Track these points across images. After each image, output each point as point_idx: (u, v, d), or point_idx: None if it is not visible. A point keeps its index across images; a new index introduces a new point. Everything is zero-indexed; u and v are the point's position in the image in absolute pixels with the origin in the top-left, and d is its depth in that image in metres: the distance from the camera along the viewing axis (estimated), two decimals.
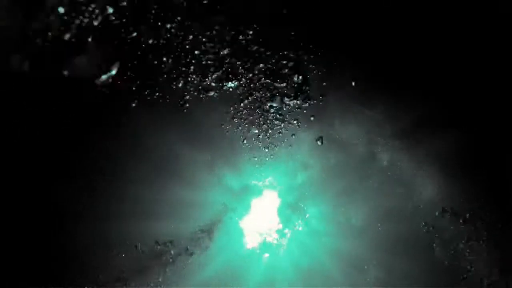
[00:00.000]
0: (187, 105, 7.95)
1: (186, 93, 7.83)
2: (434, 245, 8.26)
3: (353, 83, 8.13)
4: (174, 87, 7.72)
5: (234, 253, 9.48)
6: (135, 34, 7.10)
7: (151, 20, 7.13)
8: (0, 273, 7.49)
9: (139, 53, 7.27)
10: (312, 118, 8.48)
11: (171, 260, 8.71)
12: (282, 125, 8.59)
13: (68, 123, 7.52)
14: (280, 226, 9.78)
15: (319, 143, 8.59)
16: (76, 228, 8.01)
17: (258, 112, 8.42)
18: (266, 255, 9.67)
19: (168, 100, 7.78)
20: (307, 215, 9.53)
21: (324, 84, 8.21)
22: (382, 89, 8.21)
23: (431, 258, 8.28)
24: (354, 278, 8.90)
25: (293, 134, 8.70)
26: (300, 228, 9.65)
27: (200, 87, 7.85)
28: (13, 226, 7.62)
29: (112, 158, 8.04)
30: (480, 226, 7.88)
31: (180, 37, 7.36)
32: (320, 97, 8.31)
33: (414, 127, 8.32)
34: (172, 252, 8.67)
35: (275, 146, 8.83)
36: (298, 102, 8.32)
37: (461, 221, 8.00)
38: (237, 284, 9.07)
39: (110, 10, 6.82)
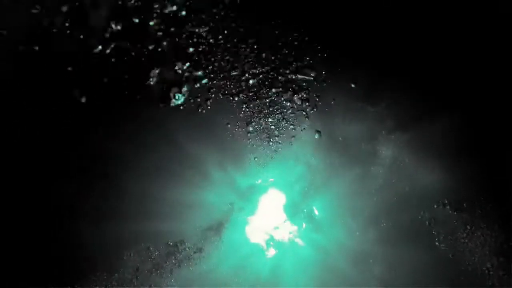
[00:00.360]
0: (205, 106, 8.00)
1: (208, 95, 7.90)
2: (437, 237, 8.37)
3: (353, 85, 8.18)
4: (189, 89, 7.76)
5: (242, 251, 9.56)
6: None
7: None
8: (10, 273, 7.48)
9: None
10: (314, 119, 8.54)
11: (182, 259, 8.77)
12: (286, 124, 8.62)
13: (79, 123, 7.50)
14: (287, 223, 9.86)
15: (317, 136, 8.64)
16: (89, 228, 8.00)
17: (262, 112, 8.45)
18: (273, 251, 9.76)
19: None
20: (314, 213, 9.61)
21: (326, 84, 8.24)
22: (384, 86, 8.25)
23: (434, 251, 8.38)
24: (360, 270, 9.02)
25: (293, 136, 8.77)
26: (304, 225, 9.73)
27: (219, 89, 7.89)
28: (25, 227, 7.58)
29: (120, 158, 8.04)
30: (483, 220, 7.99)
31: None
32: (320, 100, 8.36)
33: (416, 122, 8.40)
34: (182, 251, 8.73)
35: (279, 144, 8.88)
36: (301, 103, 8.36)
37: (462, 213, 8.10)
38: (247, 279, 9.17)
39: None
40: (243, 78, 7.98)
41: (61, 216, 7.94)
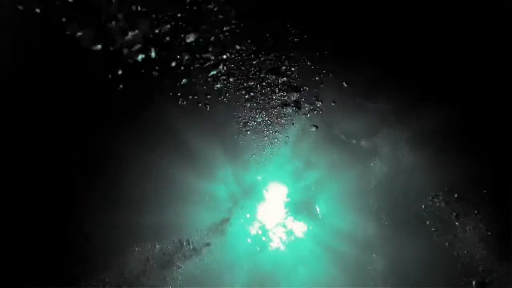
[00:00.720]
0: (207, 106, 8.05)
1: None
2: (435, 229, 8.43)
3: (345, 85, 8.20)
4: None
5: (245, 247, 9.63)
6: None
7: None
8: (11, 273, 7.48)
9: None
10: (314, 117, 8.56)
11: (185, 256, 8.84)
12: (286, 123, 8.65)
13: (83, 121, 7.53)
14: (289, 219, 9.93)
15: (313, 129, 8.65)
16: (91, 228, 8.01)
17: (262, 110, 8.47)
18: (275, 247, 9.85)
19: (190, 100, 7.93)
20: (316, 208, 9.66)
21: (326, 83, 8.26)
22: (384, 84, 8.26)
23: (433, 241, 8.44)
24: (362, 266, 9.08)
25: (287, 137, 8.77)
26: (306, 221, 9.77)
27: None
28: (34, 226, 7.57)
29: (120, 157, 8.04)
30: (476, 210, 8.04)
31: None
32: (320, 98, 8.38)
33: (414, 117, 8.42)
34: (185, 249, 8.81)
35: (278, 142, 8.91)
36: (301, 102, 8.38)
37: (457, 205, 8.16)
38: (250, 275, 9.24)
39: None
40: (245, 77, 8.01)
41: (62, 216, 7.94)
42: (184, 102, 7.95)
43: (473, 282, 7.76)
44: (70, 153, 7.79)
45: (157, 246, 8.54)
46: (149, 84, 7.65)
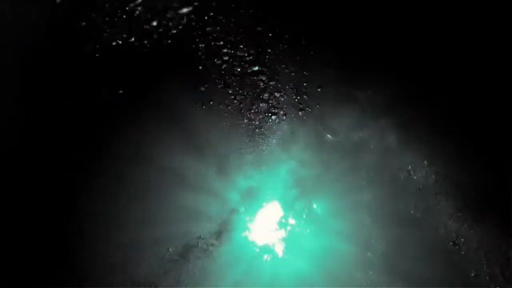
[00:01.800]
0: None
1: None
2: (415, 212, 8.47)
3: (319, 89, 8.18)
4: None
5: (243, 254, 9.65)
6: None
7: None
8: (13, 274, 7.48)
9: None
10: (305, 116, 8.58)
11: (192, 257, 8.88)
12: (275, 121, 8.66)
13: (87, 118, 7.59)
14: (287, 220, 9.95)
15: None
16: (98, 225, 8.03)
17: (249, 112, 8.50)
18: (275, 250, 9.86)
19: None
20: (313, 208, 9.67)
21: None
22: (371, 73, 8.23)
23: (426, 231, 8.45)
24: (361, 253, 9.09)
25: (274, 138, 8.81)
26: (305, 227, 9.79)
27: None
28: (41, 227, 7.63)
29: (120, 158, 8.09)
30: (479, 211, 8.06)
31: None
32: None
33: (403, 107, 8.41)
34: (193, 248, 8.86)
35: (269, 143, 8.94)
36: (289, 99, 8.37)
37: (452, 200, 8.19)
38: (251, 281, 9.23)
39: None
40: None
41: (63, 216, 7.95)
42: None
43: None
44: (70, 153, 7.82)
45: (158, 246, 8.54)
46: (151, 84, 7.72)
